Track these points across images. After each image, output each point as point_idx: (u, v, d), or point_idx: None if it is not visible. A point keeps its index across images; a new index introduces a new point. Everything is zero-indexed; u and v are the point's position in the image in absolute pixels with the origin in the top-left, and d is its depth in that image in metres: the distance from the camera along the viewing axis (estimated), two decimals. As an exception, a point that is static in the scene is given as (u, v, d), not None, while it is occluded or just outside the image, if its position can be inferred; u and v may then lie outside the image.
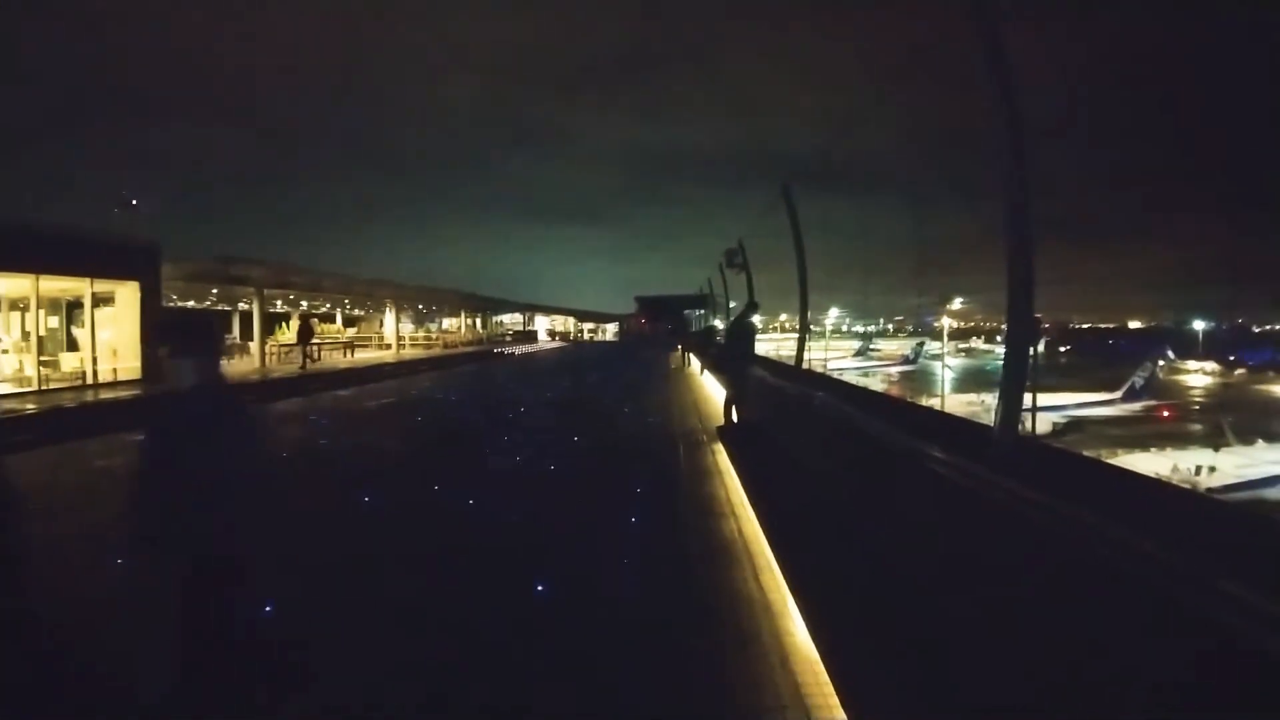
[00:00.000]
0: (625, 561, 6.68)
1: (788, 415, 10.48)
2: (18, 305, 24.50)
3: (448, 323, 70.90)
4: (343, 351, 42.49)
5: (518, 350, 60.07)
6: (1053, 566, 3.37)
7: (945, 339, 64.18)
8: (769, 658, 4.79)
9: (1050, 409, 49.28)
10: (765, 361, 17.18)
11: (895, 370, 76.85)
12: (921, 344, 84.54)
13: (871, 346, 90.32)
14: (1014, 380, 5.19)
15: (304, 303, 47.11)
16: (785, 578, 5.99)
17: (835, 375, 56.43)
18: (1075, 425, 48.16)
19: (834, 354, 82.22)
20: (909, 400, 24.76)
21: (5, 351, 22.79)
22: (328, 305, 51.58)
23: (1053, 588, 3.34)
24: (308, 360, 30.98)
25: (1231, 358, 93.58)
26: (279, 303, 44.86)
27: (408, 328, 58.37)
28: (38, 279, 20.34)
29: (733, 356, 13.13)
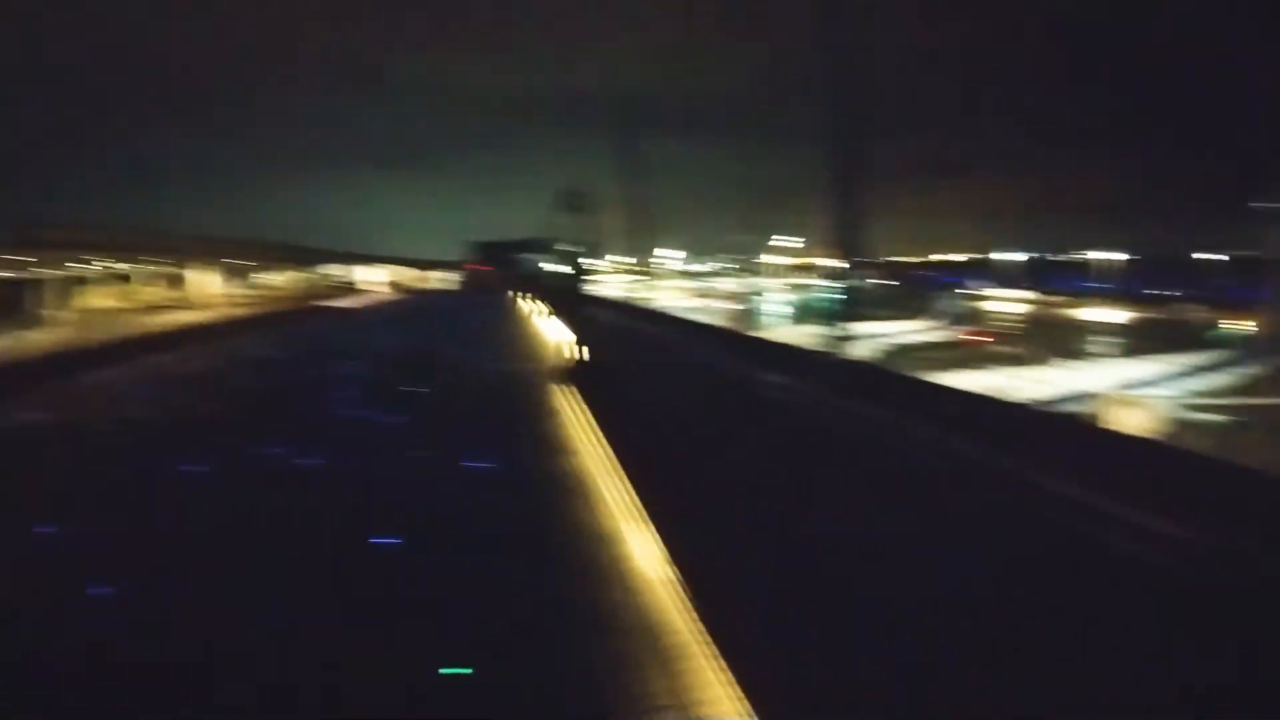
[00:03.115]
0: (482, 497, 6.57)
1: (630, 352, 10.37)
2: None
3: (276, 277, 66.73)
4: (150, 314, 39.14)
5: (347, 303, 57.00)
6: (882, 464, 3.67)
7: (781, 276, 65.88)
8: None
9: (878, 336, 52.17)
10: (606, 302, 17.02)
11: (735, 308, 78.57)
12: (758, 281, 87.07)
13: (712, 285, 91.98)
14: (842, 309, 5.53)
15: (102, 265, 43.10)
16: (640, 505, 5.91)
17: (677, 314, 57.29)
18: (900, 351, 51.02)
19: (674, 293, 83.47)
20: (747, 333, 25.40)
21: None
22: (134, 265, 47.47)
23: (880, 483, 3.59)
24: None
25: (1041, 285, 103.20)
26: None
27: (224, 284, 54.54)
28: None
29: (565, 298, 12.83)
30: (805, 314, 61.65)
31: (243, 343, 28.67)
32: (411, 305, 52.53)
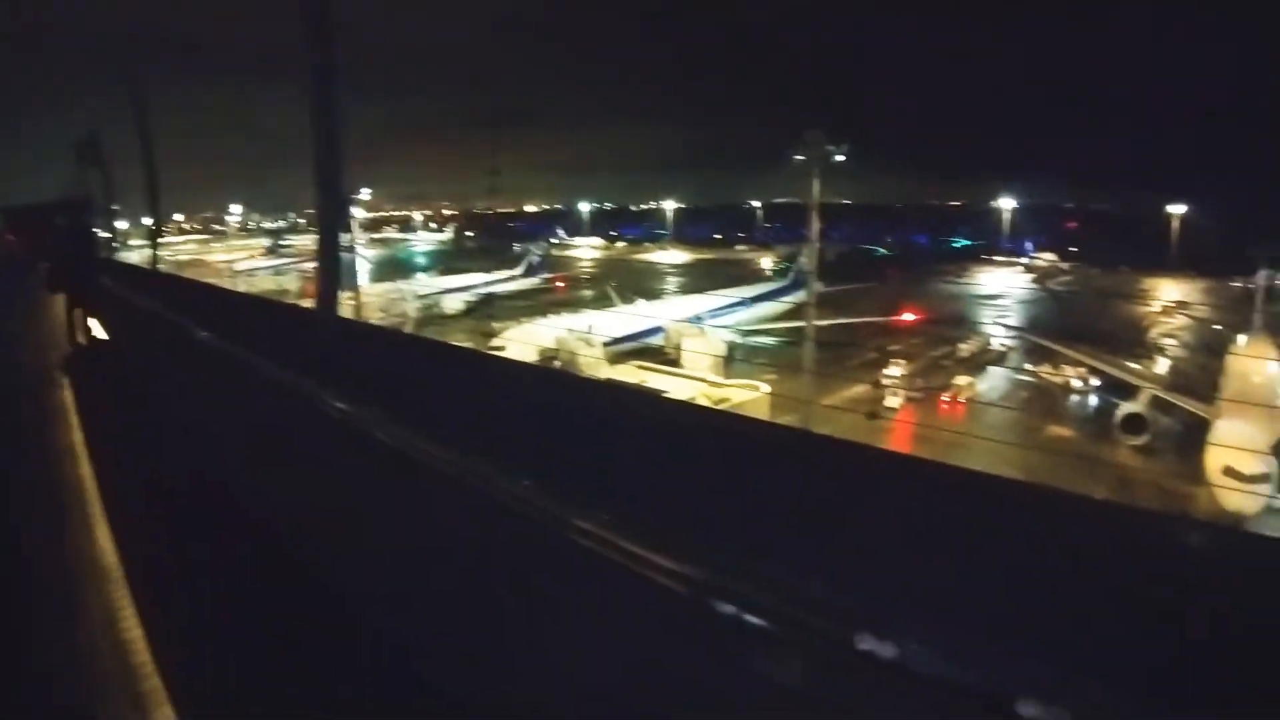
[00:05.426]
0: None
1: (139, 332, 9.10)
2: None
3: None
4: None
5: None
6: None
7: (356, 230, 63.50)
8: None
9: (462, 289, 52.31)
10: (127, 269, 14.89)
11: (311, 266, 74.18)
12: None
13: (283, 243, 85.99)
14: (328, 267, 5.30)
15: None
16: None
17: (246, 277, 52.78)
18: (486, 301, 51.51)
19: (243, 254, 76.93)
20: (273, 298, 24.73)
21: None
22: None
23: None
24: None
25: (613, 233, 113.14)
26: None
27: None
28: None
29: (68, 267, 10.82)
30: (390, 270, 60.05)
31: None
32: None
